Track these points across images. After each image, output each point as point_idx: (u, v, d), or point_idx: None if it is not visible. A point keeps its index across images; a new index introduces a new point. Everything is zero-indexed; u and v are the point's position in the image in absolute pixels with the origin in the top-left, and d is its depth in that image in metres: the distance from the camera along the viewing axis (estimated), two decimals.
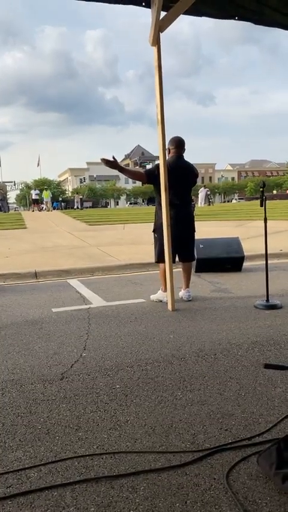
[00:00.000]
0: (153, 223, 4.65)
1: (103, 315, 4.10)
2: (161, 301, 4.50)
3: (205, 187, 31.85)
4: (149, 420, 2.10)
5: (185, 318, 3.90)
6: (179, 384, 2.49)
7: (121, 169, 4.45)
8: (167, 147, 4.34)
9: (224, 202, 28.49)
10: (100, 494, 1.57)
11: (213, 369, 2.70)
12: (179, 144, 4.44)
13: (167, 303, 4.27)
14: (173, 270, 4.23)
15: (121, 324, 3.77)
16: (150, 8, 3.88)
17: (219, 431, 1.97)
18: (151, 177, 4.38)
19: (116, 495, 1.56)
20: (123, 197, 66.51)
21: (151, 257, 4.87)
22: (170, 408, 2.21)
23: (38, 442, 1.94)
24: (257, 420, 2.05)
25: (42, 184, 53.02)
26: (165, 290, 4.43)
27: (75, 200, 34.55)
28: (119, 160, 4.33)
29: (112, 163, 4.19)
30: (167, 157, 4.32)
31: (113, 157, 4.19)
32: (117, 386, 2.50)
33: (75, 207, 32.98)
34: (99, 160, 4.22)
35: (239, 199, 57.38)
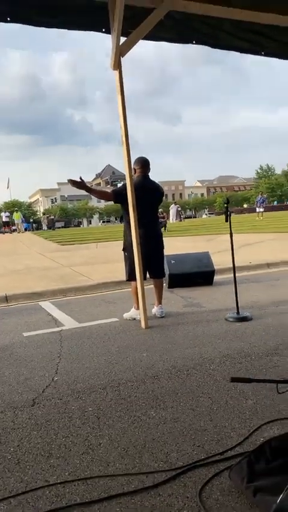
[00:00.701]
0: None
1: (75, 336, 4.05)
2: (134, 319, 4.50)
3: (175, 203, 32.35)
4: (122, 442, 2.08)
5: (158, 335, 3.90)
6: (152, 403, 2.48)
7: (89, 190, 4.48)
8: (132, 167, 4.41)
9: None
10: None
11: (186, 385, 2.71)
12: (144, 164, 4.53)
13: (140, 320, 4.27)
14: (145, 287, 4.25)
15: (94, 344, 3.74)
16: (110, 34, 3.98)
17: (192, 448, 1.97)
18: (119, 196, 4.42)
19: None
20: (96, 216, 66.54)
21: (124, 275, 4.89)
22: (143, 428, 2.19)
23: (7, 473, 1.88)
24: (229, 434, 2.07)
25: (12, 206, 52.39)
26: (137, 308, 4.44)
27: (42, 221, 34.36)
28: (90, 180, 4.42)
29: (79, 184, 4.21)
30: (134, 177, 4.40)
31: (80, 178, 4.22)
32: (90, 409, 2.47)
33: (43, 228, 32.73)
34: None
35: (209, 214, 58.52)
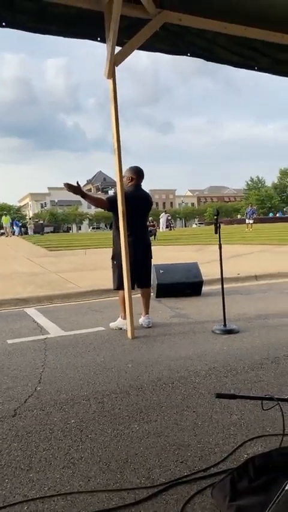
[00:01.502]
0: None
1: (60, 345, 4.00)
2: (120, 328, 4.46)
3: (166, 212, 32.46)
4: (104, 456, 2.04)
5: (144, 346, 3.87)
6: (135, 416, 2.45)
7: (83, 195, 4.43)
8: (128, 175, 4.46)
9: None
10: None
11: (171, 398, 2.68)
12: (139, 174, 4.58)
13: (126, 330, 4.24)
14: (132, 297, 4.23)
15: (79, 354, 3.69)
16: (105, 43, 4.00)
17: (174, 464, 1.94)
18: (113, 204, 4.39)
19: None
20: (85, 222, 66.39)
21: (112, 283, 4.86)
22: (125, 442, 2.16)
23: None
24: (213, 450, 2.04)
25: (1, 210, 52.09)
26: (124, 317, 4.41)
27: (28, 226, 33.78)
28: (81, 186, 4.36)
29: (75, 189, 4.17)
30: (127, 185, 4.42)
31: (77, 183, 4.20)
32: (72, 421, 2.42)
33: (28, 232, 32.39)
34: (61, 185, 4.23)
35: (199, 224, 58.87)
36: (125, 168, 4.44)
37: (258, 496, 1.59)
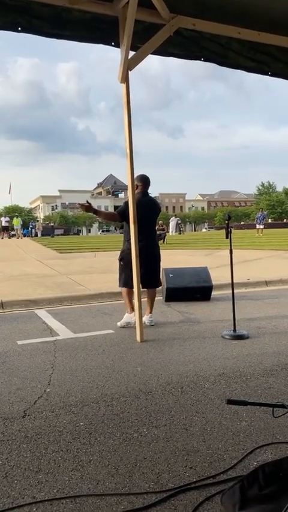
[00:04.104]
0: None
1: (70, 347, 4.01)
2: (128, 323, 4.65)
3: (176, 216, 32.43)
4: (113, 459, 2.04)
5: (153, 350, 3.87)
6: (144, 420, 2.44)
7: (95, 212, 4.75)
8: (135, 183, 4.59)
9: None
10: None
11: (180, 403, 2.67)
12: (145, 182, 4.79)
13: (135, 332, 4.24)
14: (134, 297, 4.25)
15: (88, 356, 3.70)
16: (119, 47, 4.03)
17: (183, 470, 1.93)
18: (123, 215, 4.58)
19: None
20: (95, 225, 66.68)
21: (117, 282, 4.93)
22: (134, 446, 2.16)
23: None
24: (222, 456, 2.03)
25: (12, 211, 52.55)
26: (130, 312, 4.66)
27: (36, 228, 33.98)
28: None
29: (88, 208, 4.52)
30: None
31: (87, 202, 4.55)
32: (81, 423, 2.43)
33: (33, 234, 32.59)
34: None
35: (209, 228, 58.72)
36: (136, 172, 4.49)
37: (268, 504, 1.57)
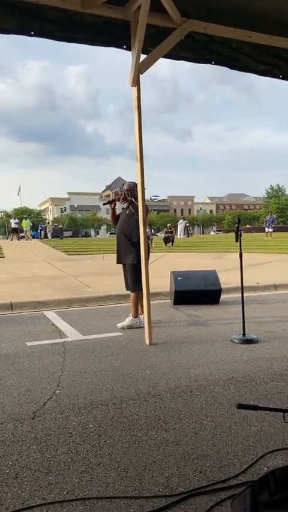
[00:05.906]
0: None
1: (79, 349, 4.03)
2: (130, 326, 4.71)
3: (184, 219, 32.38)
4: (122, 462, 2.04)
5: (162, 353, 3.86)
6: (153, 423, 2.44)
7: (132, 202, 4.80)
8: (127, 188, 4.80)
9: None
10: None
11: (189, 406, 2.66)
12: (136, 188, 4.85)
13: (144, 336, 4.24)
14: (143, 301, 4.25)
15: (97, 359, 3.70)
16: (130, 50, 4.05)
17: (193, 474, 1.92)
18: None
19: None
20: (104, 227, 66.81)
21: (123, 286, 4.96)
22: (144, 449, 2.15)
23: (5, 488, 1.85)
24: (232, 461, 2.02)
25: (22, 213, 52.83)
26: (135, 316, 4.75)
27: (47, 230, 34.09)
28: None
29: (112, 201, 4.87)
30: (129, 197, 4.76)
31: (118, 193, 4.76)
32: (91, 425, 2.43)
33: (42, 236, 32.77)
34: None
35: (217, 231, 58.52)
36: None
37: (279, 510, 1.56)
